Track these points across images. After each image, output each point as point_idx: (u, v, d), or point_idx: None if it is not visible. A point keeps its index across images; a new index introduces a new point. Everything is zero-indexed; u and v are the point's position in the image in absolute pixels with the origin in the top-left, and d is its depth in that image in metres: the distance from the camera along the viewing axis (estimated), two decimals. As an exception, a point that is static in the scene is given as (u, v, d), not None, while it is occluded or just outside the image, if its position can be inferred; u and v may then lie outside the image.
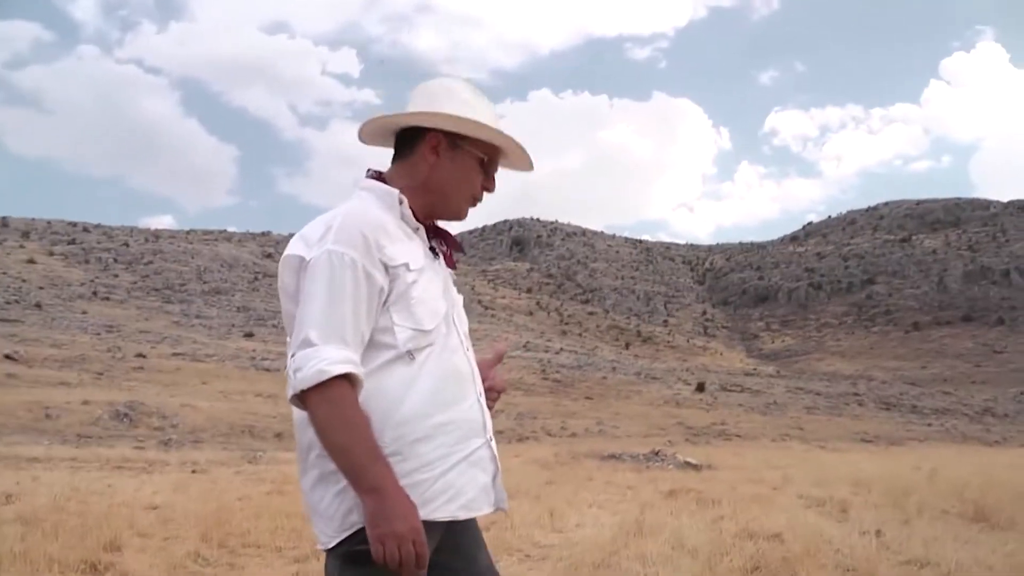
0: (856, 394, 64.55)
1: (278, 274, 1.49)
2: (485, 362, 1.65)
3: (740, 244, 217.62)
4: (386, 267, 1.42)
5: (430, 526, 1.38)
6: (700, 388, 59.39)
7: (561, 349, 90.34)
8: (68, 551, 4.23)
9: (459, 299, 1.62)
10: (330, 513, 1.40)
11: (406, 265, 1.44)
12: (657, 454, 15.64)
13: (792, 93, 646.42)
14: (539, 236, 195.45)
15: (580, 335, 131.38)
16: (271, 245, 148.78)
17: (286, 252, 1.47)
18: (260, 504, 6.65)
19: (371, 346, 1.41)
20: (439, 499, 1.42)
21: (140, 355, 43.81)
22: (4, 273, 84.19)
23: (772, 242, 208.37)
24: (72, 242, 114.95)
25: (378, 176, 1.57)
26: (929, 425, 49.39)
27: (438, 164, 1.55)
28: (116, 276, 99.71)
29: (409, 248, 1.48)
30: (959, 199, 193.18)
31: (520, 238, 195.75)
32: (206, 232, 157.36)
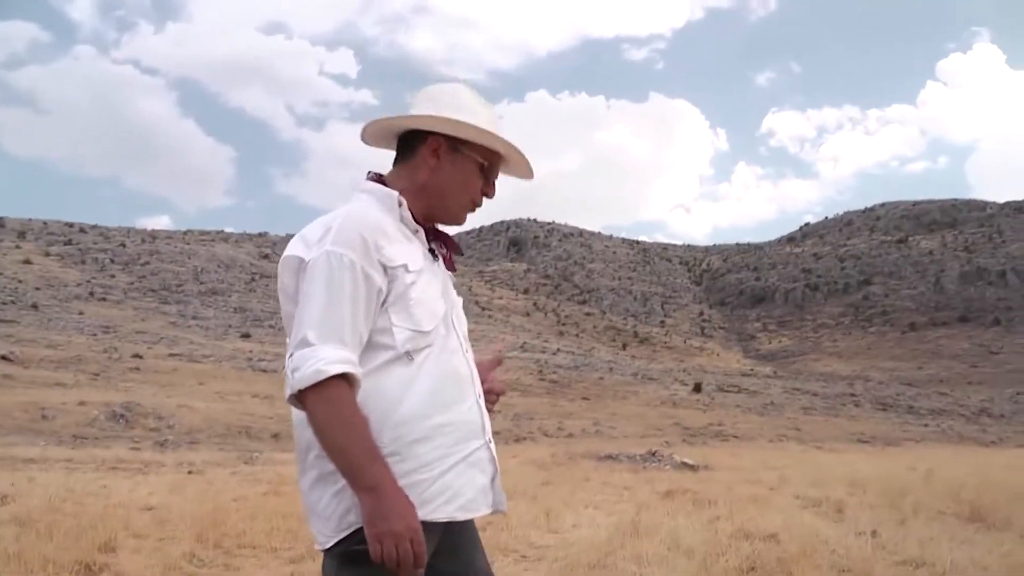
0: (853, 395, 64.70)
1: (278, 275, 1.49)
2: (484, 364, 1.65)
3: (737, 245, 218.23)
4: (384, 268, 1.42)
5: (428, 527, 1.38)
6: (697, 389, 59.47)
7: (558, 350, 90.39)
8: (63, 552, 4.22)
9: (458, 301, 1.62)
10: (328, 513, 1.40)
11: (405, 266, 1.45)
12: (654, 455, 15.65)
13: (789, 94, 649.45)
14: (536, 237, 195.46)
15: (577, 336, 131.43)
16: (268, 246, 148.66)
17: (286, 253, 1.47)
18: (256, 505, 6.64)
19: (370, 347, 1.41)
20: (437, 500, 1.42)
21: (136, 356, 43.75)
22: (0, 274, 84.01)
23: (769, 243, 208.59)
24: (68, 243, 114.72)
25: (378, 178, 1.58)
26: (925, 426, 49.55)
27: (438, 168, 1.55)
28: (112, 277, 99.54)
29: (408, 249, 1.48)
30: (955, 200, 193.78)
31: (517, 239, 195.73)
32: (203, 233, 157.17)
